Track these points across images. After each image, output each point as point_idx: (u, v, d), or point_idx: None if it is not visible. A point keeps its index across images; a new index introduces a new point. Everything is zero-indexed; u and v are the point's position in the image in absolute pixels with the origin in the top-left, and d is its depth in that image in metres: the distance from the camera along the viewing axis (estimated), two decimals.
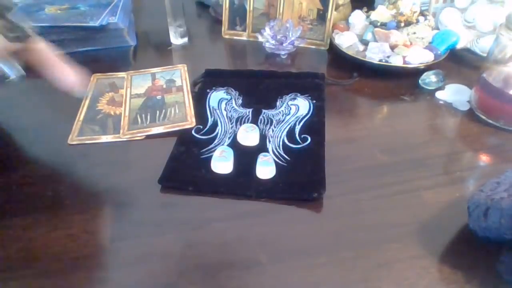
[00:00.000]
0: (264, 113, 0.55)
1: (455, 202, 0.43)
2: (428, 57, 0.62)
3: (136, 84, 0.61)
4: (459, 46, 0.66)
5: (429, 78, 0.60)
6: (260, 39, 0.70)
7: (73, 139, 0.51)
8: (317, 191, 0.43)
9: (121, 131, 0.52)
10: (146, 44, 0.73)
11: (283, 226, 0.41)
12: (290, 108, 0.56)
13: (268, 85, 0.60)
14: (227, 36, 0.75)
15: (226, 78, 0.62)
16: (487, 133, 0.52)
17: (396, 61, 0.61)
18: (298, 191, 0.44)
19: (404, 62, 0.61)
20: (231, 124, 0.53)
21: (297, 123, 0.53)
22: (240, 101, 0.57)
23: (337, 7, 0.72)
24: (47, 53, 0.46)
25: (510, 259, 0.35)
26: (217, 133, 0.52)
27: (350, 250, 0.38)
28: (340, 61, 0.66)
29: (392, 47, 0.63)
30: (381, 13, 0.67)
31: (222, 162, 0.47)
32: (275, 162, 0.47)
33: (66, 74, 0.47)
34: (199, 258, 0.38)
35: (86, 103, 0.57)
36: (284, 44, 0.67)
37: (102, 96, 0.58)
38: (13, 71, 0.46)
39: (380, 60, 0.62)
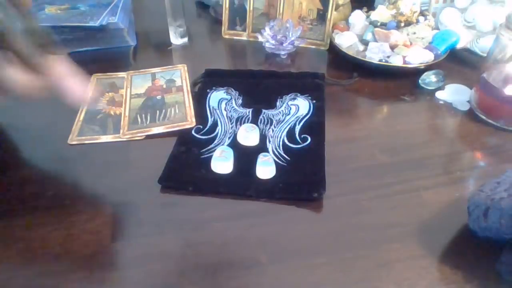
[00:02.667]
0: (264, 113, 0.55)
1: (455, 202, 0.43)
2: (428, 57, 0.62)
3: (136, 84, 0.61)
4: (459, 46, 0.66)
5: (429, 78, 0.60)
6: (260, 39, 0.70)
7: (73, 139, 0.51)
8: (317, 191, 0.43)
9: (121, 131, 0.52)
10: (146, 44, 0.73)
11: (283, 226, 0.41)
12: (290, 108, 0.56)
13: (268, 85, 0.60)
14: (227, 36, 0.75)
15: (226, 78, 0.62)
16: (487, 133, 0.52)
17: (396, 61, 0.61)
18: (298, 191, 0.44)
19: (404, 62, 0.61)
20: (231, 124, 0.53)
21: (297, 123, 0.53)
22: (240, 101, 0.57)
23: (337, 7, 0.72)
24: (62, 67, 0.43)
25: (510, 259, 0.35)
26: (217, 133, 0.52)
27: (350, 250, 0.38)
28: (340, 61, 0.66)
29: (392, 47, 0.63)
30: (381, 13, 0.67)
31: (222, 162, 0.47)
32: (275, 162, 0.47)
33: (75, 88, 0.42)
34: (199, 258, 0.38)
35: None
36: (284, 44, 0.67)
37: (102, 96, 0.58)
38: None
39: (380, 60, 0.62)
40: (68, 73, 0.42)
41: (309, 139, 0.50)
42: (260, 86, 0.60)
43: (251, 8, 0.72)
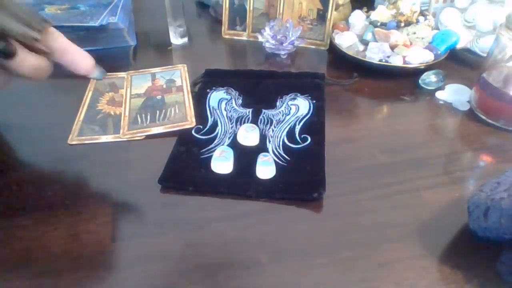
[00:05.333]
0: (264, 113, 0.55)
1: (455, 202, 0.43)
2: (428, 57, 0.62)
3: (136, 84, 0.61)
4: (459, 46, 0.66)
5: (429, 78, 0.60)
6: (260, 39, 0.70)
7: (73, 139, 0.51)
8: (317, 191, 0.43)
9: (121, 131, 0.52)
10: (146, 44, 0.73)
11: (283, 226, 0.41)
12: (290, 108, 0.56)
13: (268, 85, 0.60)
14: (227, 36, 0.75)
15: (226, 78, 0.62)
16: (487, 133, 0.52)
17: (396, 61, 0.61)
18: (298, 191, 0.44)
19: (404, 62, 0.61)
20: (231, 124, 0.53)
21: (297, 123, 0.53)
22: (240, 101, 0.57)
23: (337, 7, 0.72)
24: (61, 38, 0.43)
25: (510, 259, 0.35)
26: (217, 133, 0.52)
27: (350, 250, 0.38)
28: (340, 61, 0.66)
29: (392, 47, 0.63)
30: (381, 13, 0.67)
31: (222, 162, 0.47)
32: (275, 162, 0.47)
33: (82, 57, 0.44)
34: (199, 258, 0.38)
35: (86, 103, 0.57)
36: (284, 44, 0.67)
37: (102, 96, 0.58)
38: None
39: (380, 60, 0.62)
40: (70, 43, 0.43)
41: (309, 139, 0.50)
42: (260, 86, 0.60)
43: (251, 8, 0.72)
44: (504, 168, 0.43)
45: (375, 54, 0.62)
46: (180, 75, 0.63)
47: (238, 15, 0.74)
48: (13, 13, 0.38)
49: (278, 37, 0.67)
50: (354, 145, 0.51)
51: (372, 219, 0.41)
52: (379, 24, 0.66)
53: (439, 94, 0.59)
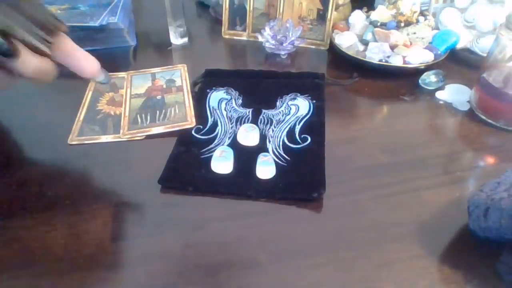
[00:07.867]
0: (264, 113, 0.55)
1: (455, 202, 0.43)
2: (428, 57, 0.62)
3: (136, 84, 0.61)
4: (459, 46, 0.66)
5: (429, 78, 0.60)
6: (260, 39, 0.70)
7: (73, 139, 0.51)
8: (317, 191, 0.43)
9: (121, 131, 0.52)
10: (146, 44, 0.73)
11: (283, 226, 0.41)
12: (290, 108, 0.56)
13: (268, 85, 0.60)
14: (227, 36, 0.75)
15: (226, 78, 0.62)
16: (487, 133, 0.52)
17: (396, 61, 0.61)
18: (298, 191, 0.44)
19: (404, 62, 0.61)
20: (231, 124, 0.53)
21: (297, 123, 0.53)
22: (240, 101, 0.57)
23: (337, 7, 0.72)
24: (69, 42, 0.43)
25: (510, 259, 0.35)
26: (217, 133, 0.52)
27: (350, 250, 0.38)
28: (340, 61, 0.66)
29: (392, 47, 0.63)
30: (381, 13, 0.67)
31: (222, 162, 0.47)
32: (275, 162, 0.47)
33: (87, 62, 0.44)
34: (199, 258, 0.38)
35: (86, 103, 0.57)
36: (284, 44, 0.67)
37: (102, 96, 0.58)
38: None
39: (380, 60, 0.62)
40: (76, 48, 0.43)
41: (309, 139, 0.50)
42: (260, 86, 0.60)
43: (251, 8, 0.72)
44: (504, 168, 0.43)
45: (375, 54, 0.62)
46: (180, 75, 0.63)
47: (238, 15, 0.74)
48: (29, 14, 0.38)
49: (278, 37, 0.67)
50: (354, 145, 0.51)
51: (372, 219, 0.41)
52: (379, 24, 0.66)
53: (439, 94, 0.59)
